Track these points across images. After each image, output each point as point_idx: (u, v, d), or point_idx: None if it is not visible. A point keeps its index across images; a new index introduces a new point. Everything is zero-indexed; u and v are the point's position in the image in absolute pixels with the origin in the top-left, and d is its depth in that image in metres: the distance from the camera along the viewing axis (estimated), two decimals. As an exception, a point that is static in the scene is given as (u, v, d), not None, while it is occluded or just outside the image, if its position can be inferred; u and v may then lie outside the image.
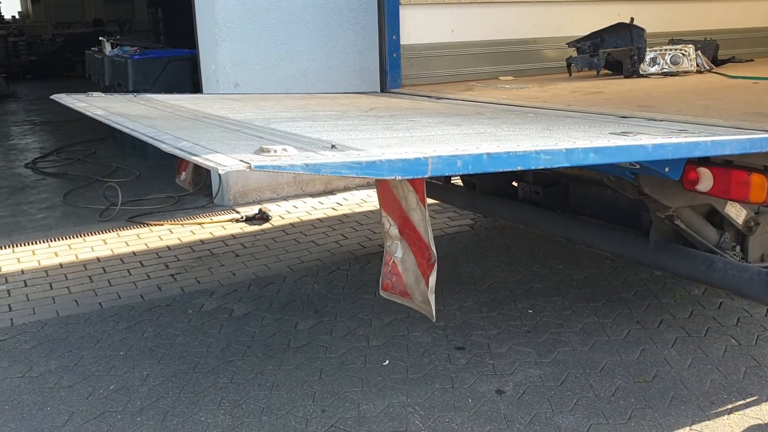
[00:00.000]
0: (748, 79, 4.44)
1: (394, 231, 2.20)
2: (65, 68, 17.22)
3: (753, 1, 5.96)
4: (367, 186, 6.62)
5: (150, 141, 2.16)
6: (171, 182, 7.00)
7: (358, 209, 5.96)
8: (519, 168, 1.98)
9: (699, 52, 4.96)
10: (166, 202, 6.34)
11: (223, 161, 1.69)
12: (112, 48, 8.64)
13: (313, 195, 6.40)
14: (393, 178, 1.85)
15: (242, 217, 5.72)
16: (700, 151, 2.42)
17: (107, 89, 8.94)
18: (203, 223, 5.69)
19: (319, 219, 5.72)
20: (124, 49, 8.45)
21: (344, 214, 5.82)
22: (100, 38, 9.19)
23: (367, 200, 6.21)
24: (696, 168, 2.96)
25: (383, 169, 1.80)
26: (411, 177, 1.87)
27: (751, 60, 5.62)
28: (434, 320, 2.17)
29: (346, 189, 6.54)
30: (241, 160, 1.68)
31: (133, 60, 7.86)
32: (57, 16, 18.78)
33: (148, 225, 5.68)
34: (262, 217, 5.67)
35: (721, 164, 2.86)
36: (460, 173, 1.94)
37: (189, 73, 7.66)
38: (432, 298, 2.13)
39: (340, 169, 1.79)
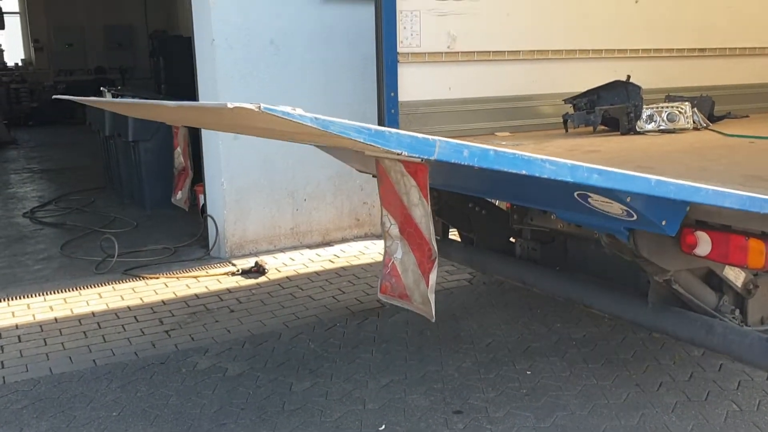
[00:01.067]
0: (744, 138, 4.46)
1: (394, 230, 2.16)
2: (66, 115, 17.34)
3: (747, 57, 6.04)
4: (365, 237, 6.61)
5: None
6: (168, 233, 7.03)
7: (355, 261, 5.93)
8: (523, 172, 1.95)
9: (695, 109, 4.99)
10: (162, 254, 6.32)
11: (231, 104, 1.72)
12: (113, 98, 8.71)
13: (310, 246, 6.38)
14: (399, 152, 1.82)
15: (238, 270, 5.69)
16: (701, 197, 2.38)
17: (107, 140, 9.00)
18: (199, 277, 5.66)
19: (315, 272, 5.70)
20: (125, 99, 8.51)
21: (342, 267, 5.79)
22: (101, 88, 9.28)
23: (364, 252, 6.19)
24: (694, 231, 2.95)
25: (391, 140, 1.79)
26: (416, 155, 1.84)
27: (747, 116, 5.66)
28: (433, 320, 2.10)
29: (344, 240, 6.53)
30: (251, 104, 1.70)
31: (133, 110, 7.90)
32: (59, 63, 18.98)
33: (143, 278, 5.65)
34: (259, 270, 5.64)
35: (719, 228, 2.86)
36: (465, 162, 1.88)
37: (189, 124, 7.71)
38: (432, 297, 2.08)
39: (349, 130, 1.78)
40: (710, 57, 5.85)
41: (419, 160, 1.91)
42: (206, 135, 6.12)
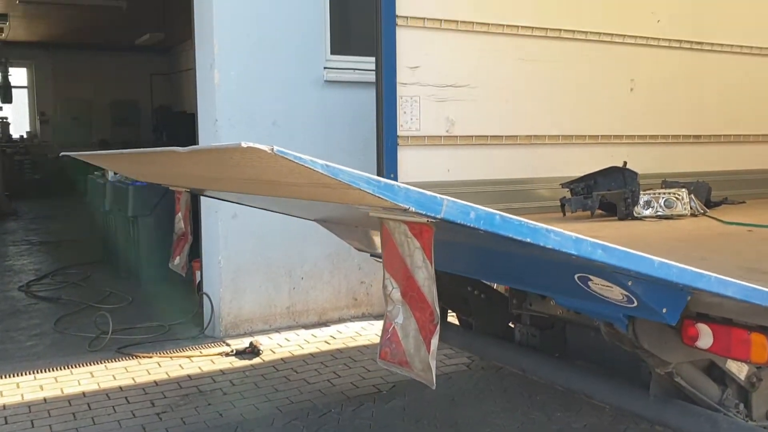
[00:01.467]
0: (742, 226, 4.47)
1: (396, 294, 2.08)
2: (68, 187, 17.45)
3: (742, 144, 6.12)
4: (362, 318, 6.54)
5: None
6: (164, 309, 6.96)
7: (352, 343, 5.85)
8: (528, 240, 1.93)
9: (692, 195, 5.02)
10: (156, 331, 6.24)
11: (244, 144, 1.72)
12: (115, 174, 8.77)
13: (306, 326, 6.31)
14: (406, 208, 1.82)
15: (232, 351, 5.61)
16: (704, 284, 2.35)
17: (106, 214, 9.03)
18: (192, 357, 5.57)
19: (311, 354, 5.61)
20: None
21: (338, 349, 5.71)
22: (104, 163, 9.34)
23: (361, 333, 6.11)
24: (695, 324, 2.91)
25: (399, 194, 1.80)
26: (423, 212, 1.83)
27: (743, 202, 5.69)
28: (434, 387, 2.01)
29: (341, 320, 6.46)
30: (264, 146, 1.70)
31: (134, 186, 7.96)
32: (64, 136, 19.22)
33: (136, 357, 5.56)
34: (253, 350, 5.55)
35: (721, 321, 2.82)
36: (471, 224, 1.85)
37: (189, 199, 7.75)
38: (433, 363, 2.00)
39: (359, 180, 1.79)
40: (706, 143, 5.92)
41: (425, 220, 1.90)
42: (205, 212, 6.14)
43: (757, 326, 2.71)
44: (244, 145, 1.70)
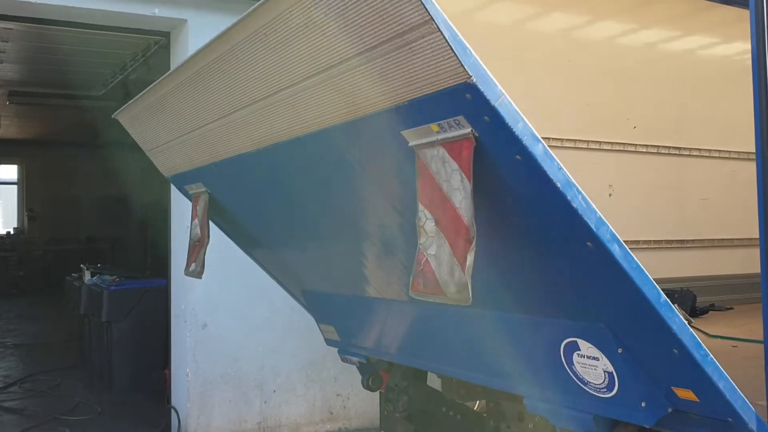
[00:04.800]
0: (727, 340, 4.28)
1: (430, 225, 2.13)
2: (52, 284, 17.21)
3: (727, 248, 6.00)
4: (339, 432, 6.22)
5: None
6: (133, 421, 6.63)
7: (326, 462, 5.52)
8: (558, 184, 1.99)
9: (676, 305, 4.84)
10: (122, 448, 5.91)
11: None
12: (92, 276, 8.60)
13: (279, 443, 5.99)
14: (470, 76, 1.88)
15: (198, 472, 5.28)
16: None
17: (82, 318, 8.79)
18: (155, 479, 5.23)
19: (281, 475, 5.28)
20: (103, 277, 8.40)
21: (310, 469, 5.38)
22: (81, 265, 9.19)
23: (337, 450, 5.79)
24: None
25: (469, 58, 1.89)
26: (482, 91, 1.90)
27: (731, 308, 5.52)
28: (469, 302, 2.04)
29: (317, 436, 6.14)
30: None
31: (109, 291, 7.76)
32: (51, 232, 19.13)
33: (94, 480, 5.22)
34: (220, 472, 5.23)
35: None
36: (517, 133, 1.98)
37: (165, 305, 7.54)
38: (469, 280, 2.04)
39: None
40: (690, 248, 5.80)
41: (469, 131, 1.99)
42: (174, 321, 5.93)
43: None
44: None
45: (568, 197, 1.98)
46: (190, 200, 3.87)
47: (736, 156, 5.94)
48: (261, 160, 3.10)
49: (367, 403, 6.31)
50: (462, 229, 2.05)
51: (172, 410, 5.87)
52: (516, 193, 2.12)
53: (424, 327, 3.38)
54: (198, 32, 5.66)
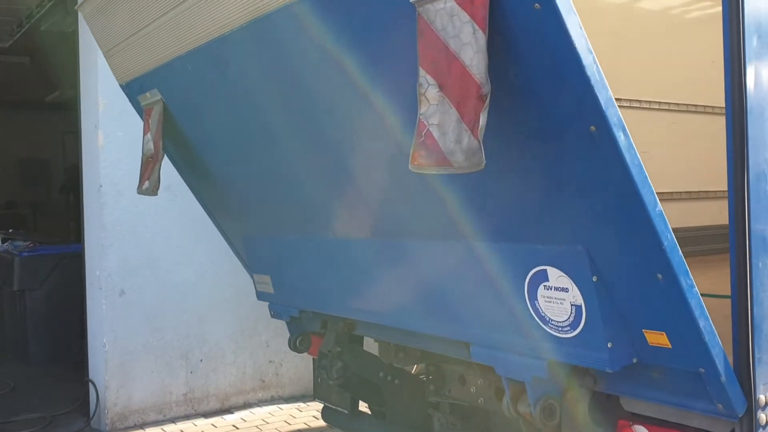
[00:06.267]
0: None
1: (432, 92, 1.99)
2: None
3: (668, 202, 5.88)
4: (271, 401, 5.93)
5: None
6: (49, 396, 6.19)
7: (257, 433, 5.23)
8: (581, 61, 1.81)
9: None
10: (36, 425, 5.47)
11: None
12: (2, 242, 8.00)
13: (206, 414, 5.64)
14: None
15: (117, 450, 4.92)
16: None
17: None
18: (69, 459, 4.85)
19: (209, 449, 4.97)
20: (16, 243, 7.81)
21: (240, 441, 5.08)
22: (-9, 230, 8.57)
23: (268, 421, 5.49)
24: (631, 425, 2.51)
25: None
26: None
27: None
28: (483, 166, 1.89)
29: (246, 405, 5.82)
30: None
31: (21, 257, 7.21)
32: (-32, 196, 18.09)
33: (3, 462, 4.80)
34: (141, 449, 4.88)
35: (660, 423, 2.42)
36: None
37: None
38: (481, 141, 1.90)
39: None
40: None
41: None
42: (90, 291, 5.49)
43: (702, 431, 2.30)
44: None
45: (584, 62, 1.79)
46: (142, 117, 3.73)
47: (675, 108, 5.80)
48: (220, 53, 2.91)
49: (301, 370, 6.03)
50: (472, 87, 1.91)
51: (90, 384, 5.46)
52: (526, 55, 1.93)
53: (370, 268, 3.14)
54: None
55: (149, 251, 5.41)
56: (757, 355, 2.14)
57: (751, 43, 2.14)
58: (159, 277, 5.45)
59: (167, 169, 5.39)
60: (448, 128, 1.96)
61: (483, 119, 1.91)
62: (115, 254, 5.29)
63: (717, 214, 4.80)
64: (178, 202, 5.52)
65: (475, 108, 1.91)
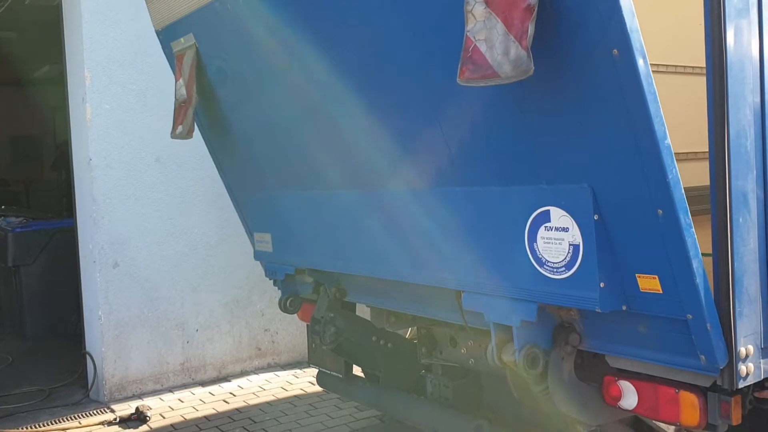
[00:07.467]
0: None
1: (479, 8, 2.06)
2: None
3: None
4: (267, 368, 5.99)
5: None
6: (48, 370, 6.24)
7: (254, 400, 5.29)
8: None
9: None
10: (35, 397, 5.53)
11: None
12: (-5, 217, 7.98)
13: (203, 383, 5.70)
14: None
15: (116, 419, 4.95)
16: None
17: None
18: (69, 429, 4.89)
19: (206, 417, 5.01)
20: (9, 220, 7.79)
21: (236, 409, 5.13)
22: (-19, 207, 8.54)
23: (265, 388, 5.56)
24: (617, 381, 2.56)
25: None
26: None
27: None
28: (531, 73, 1.99)
29: (243, 373, 5.88)
30: None
31: (14, 233, 7.21)
32: (-42, 175, 17.98)
33: (3, 433, 4.86)
34: (139, 417, 4.92)
35: (646, 378, 2.47)
36: None
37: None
38: (529, 49, 1.98)
39: None
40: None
41: None
42: (83, 264, 5.51)
43: (686, 384, 2.35)
44: None
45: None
46: (173, 64, 3.79)
47: (654, 69, 5.76)
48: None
49: (296, 337, 6.08)
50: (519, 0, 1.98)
51: (87, 356, 5.51)
52: None
53: (370, 220, 3.16)
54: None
55: (140, 223, 5.41)
56: (737, 309, 2.19)
57: (732, 1, 2.15)
58: (151, 248, 5.46)
59: (157, 142, 5.40)
60: (495, 41, 2.02)
61: (531, 29, 1.97)
62: (106, 227, 5.30)
63: (701, 175, 4.82)
64: (167, 174, 5.53)
65: (522, 19, 1.97)
